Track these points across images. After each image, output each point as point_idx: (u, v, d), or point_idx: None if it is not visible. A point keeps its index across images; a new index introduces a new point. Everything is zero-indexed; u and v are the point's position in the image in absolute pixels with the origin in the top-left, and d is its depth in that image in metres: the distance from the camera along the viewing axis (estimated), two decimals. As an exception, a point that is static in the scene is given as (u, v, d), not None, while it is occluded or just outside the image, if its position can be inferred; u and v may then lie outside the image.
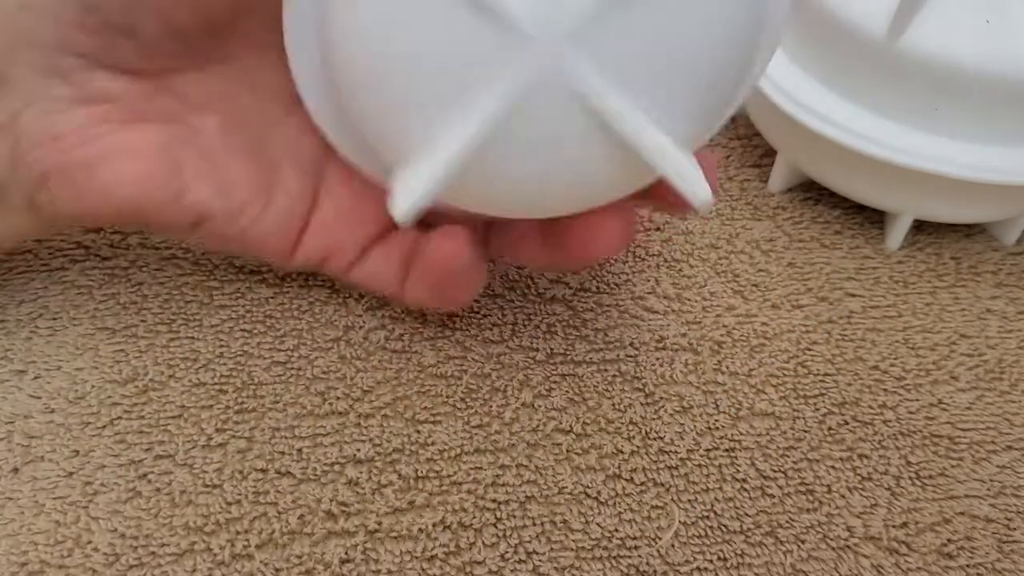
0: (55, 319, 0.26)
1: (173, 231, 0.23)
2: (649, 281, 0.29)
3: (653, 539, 0.23)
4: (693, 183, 0.18)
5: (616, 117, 0.18)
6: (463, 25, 0.17)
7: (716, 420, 0.25)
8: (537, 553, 0.22)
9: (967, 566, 0.23)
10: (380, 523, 0.22)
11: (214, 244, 0.24)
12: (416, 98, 0.18)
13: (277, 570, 0.21)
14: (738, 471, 0.24)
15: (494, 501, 0.23)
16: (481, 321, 0.27)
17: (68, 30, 0.20)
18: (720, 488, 0.24)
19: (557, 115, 0.18)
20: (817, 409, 0.26)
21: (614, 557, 0.22)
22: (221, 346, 0.26)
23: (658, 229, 0.31)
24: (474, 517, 0.23)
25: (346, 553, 0.22)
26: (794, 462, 0.25)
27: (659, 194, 0.21)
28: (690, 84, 0.18)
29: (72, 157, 0.21)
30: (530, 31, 0.17)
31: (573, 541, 0.23)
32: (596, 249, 0.22)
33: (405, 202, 0.19)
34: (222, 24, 0.22)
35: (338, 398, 0.25)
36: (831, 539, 0.23)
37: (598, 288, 0.29)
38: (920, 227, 0.32)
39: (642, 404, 0.26)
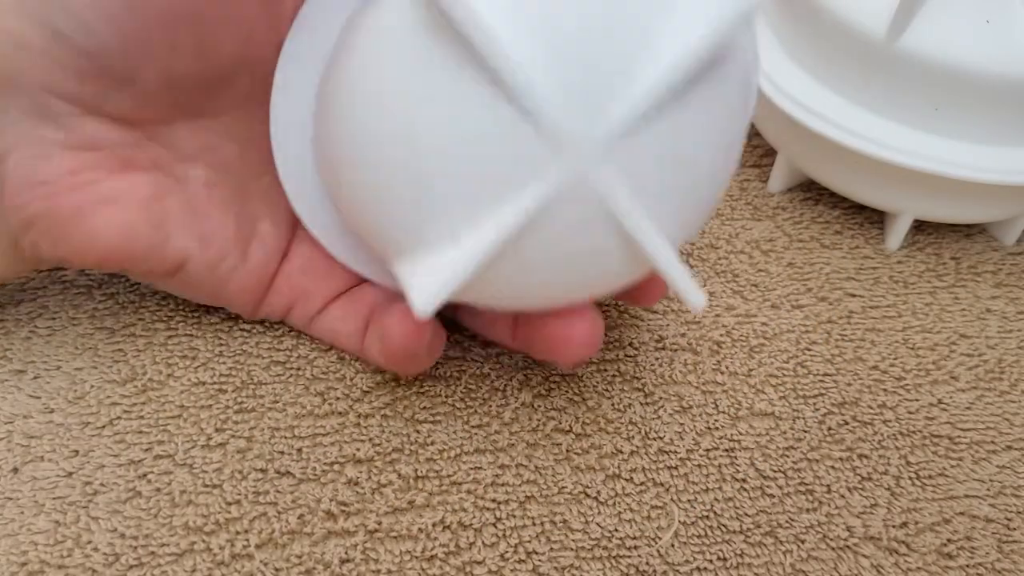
0: (54, 319, 0.26)
1: (152, 277, 0.24)
2: (649, 281, 0.29)
3: (653, 539, 0.23)
4: (691, 290, 0.20)
5: (632, 225, 0.18)
6: (500, 128, 0.17)
7: (716, 420, 0.25)
8: (537, 553, 0.22)
9: (967, 566, 0.23)
10: (380, 523, 0.22)
11: (188, 292, 0.25)
12: (441, 195, 0.18)
13: (277, 570, 0.21)
14: (738, 471, 0.24)
15: (494, 501, 0.23)
16: (481, 321, 0.27)
17: (64, 75, 0.20)
18: (720, 488, 0.24)
19: (579, 218, 0.18)
20: (817, 409, 0.26)
21: (614, 557, 0.22)
22: (220, 344, 0.26)
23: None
24: (474, 517, 0.23)
25: (346, 553, 0.22)
26: (794, 462, 0.25)
27: (631, 293, 0.23)
28: (693, 196, 0.20)
29: (58, 204, 0.21)
30: (566, 140, 0.17)
31: (573, 541, 0.23)
32: (561, 355, 0.22)
33: (424, 298, 0.19)
34: (220, 79, 0.22)
35: (338, 398, 0.25)
36: (831, 539, 0.23)
37: (598, 288, 0.29)
38: (920, 227, 0.32)
39: (641, 404, 0.26)
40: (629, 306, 0.28)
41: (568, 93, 0.17)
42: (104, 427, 0.24)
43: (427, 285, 0.19)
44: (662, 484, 0.24)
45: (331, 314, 0.25)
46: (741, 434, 0.25)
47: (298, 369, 0.25)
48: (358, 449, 0.24)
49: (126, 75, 0.20)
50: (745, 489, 0.24)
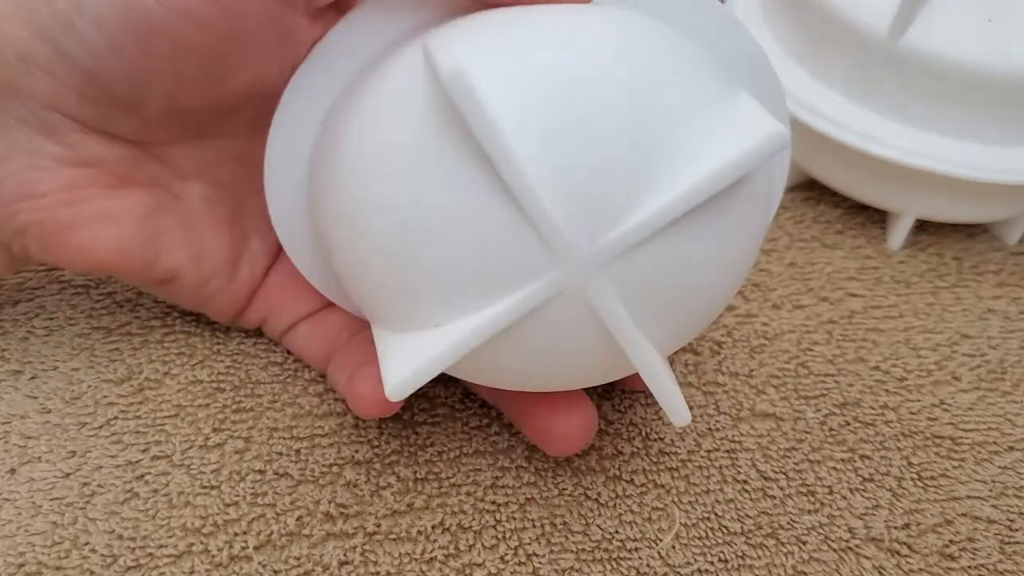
0: (51, 318, 0.26)
1: (141, 286, 0.24)
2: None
3: (654, 541, 0.23)
4: (676, 404, 0.20)
5: (622, 338, 0.18)
6: (499, 228, 0.17)
7: (717, 421, 0.25)
8: (537, 555, 0.22)
9: (969, 567, 0.23)
10: (379, 525, 0.22)
11: (171, 299, 0.25)
12: (430, 282, 0.18)
13: (275, 572, 0.21)
14: (739, 472, 0.24)
15: (493, 503, 0.23)
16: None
17: (66, 93, 0.20)
18: (721, 490, 0.24)
19: (568, 324, 0.18)
20: (818, 410, 0.26)
21: (614, 559, 0.22)
22: (217, 343, 0.26)
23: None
24: (473, 519, 0.23)
25: (344, 555, 0.22)
26: (795, 463, 0.25)
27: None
28: (690, 312, 0.19)
29: (52, 216, 0.21)
30: (566, 251, 0.17)
31: (573, 543, 0.22)
32: (551, 448, 0.22)
33: (396, 384, 0.18)
34: (227, 109, 0.21)
35: (336, 399, 0.25)
36: (832, 540, 0.23)
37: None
38: (922, 227, 0.32)
39: (642, 405, 0.25)
40: None
41: (573, 206, 0.17)
42: (101, 427, 0.23)
43: (401, 371, 0.18)
44: (663, 486, 0.24)
45: (299, 332, 0.25)
46: (742, 435, 0.25)
47: (296, 370, 0.25)
48: (357, 451, 0.24)
49: (130, 102, 0.20)
50: (746, 491, 0.24)
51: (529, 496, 0.23)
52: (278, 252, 0.25)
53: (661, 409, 0.25)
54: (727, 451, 0.25)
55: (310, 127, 0.21)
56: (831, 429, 0.25)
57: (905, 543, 0.23)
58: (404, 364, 0.18)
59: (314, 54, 0.21)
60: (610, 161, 0.17)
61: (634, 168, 0.17)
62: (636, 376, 0.20)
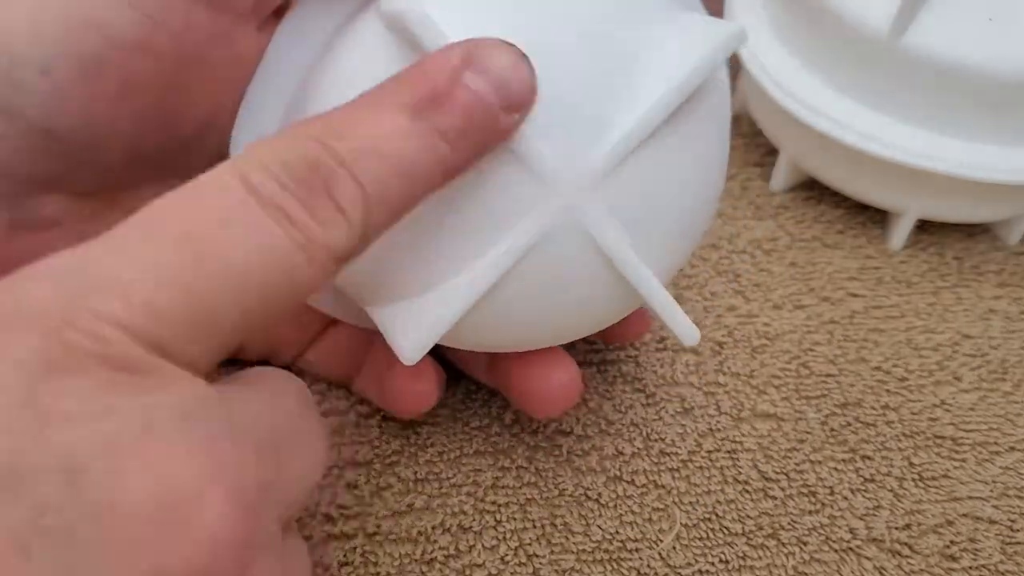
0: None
1: None
2: (650, 281, 0.29)
3: (655, 541, 0.23)
4: (682, 322, 0.20)
5: (621, 259, 0.18)
6: (487, 170, 0.17)
7: (718, 421, 0.25)
8: (538, 556, 0.22)
9: (970, 568, 0.23)
10: (379, 526, 0.22)
11: None
12: (427, 239, 0.18)
13: (275, 573, 0.21)
14: (740, 473, 0.24)
15: (494, 504, 0.23)
16: (481, 321, 0.27)
17: (16, 156, 0.18)
18: (722, 490, 0.24)
19: (568, 256, 0.18)
20: (819, 410, 0.26)
21: (615, 560, 0.22)
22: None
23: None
24: (474, 520, 0.23)
25: (345, 556, 0.22)
26: (796, 464, 0.25)
27: (611, 331, 0.22)
28: (679, 228, 0.20)
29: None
30: (553, 180, 0.17)
31: (574, 544, 0.22)
32: (539, 409, 0.22)
33: (411, 346, 0.18)
34: (189, 142, 0.20)
35: (337, 398, 0.25)
36: (834, 541, 0.23)
37: (599, 288, 0.29)
38: (923, 227, 0.32)
39: (643, 405, 0.25)
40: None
41: (555, 135, 0.17)
42: (102, 429, 0.23)
43: (413, 332, 0.18)
44: (664, 486, 0.24)
45: (309, 360, 0.24)
46: (743, 435, 0.25)
47: (297, 370, 0.25)
48: (357, 452, 0.24)
49: (89, 152, 0.18)
50: (747, 491, 0.24)
51: (530, 496, 0.23)
52: None
53: (662, 408, 0.25)
54: (728, 451, 0.25)
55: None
56: (832, 429, 0.25)
57: (906, 544, 0.23)
58: (414, 326, 0.18)
59: (265, 60, 0.20)
60: (582, 86, 0.17)
61: (607, 89, 0.17)
62: (630, 322, 0.20)
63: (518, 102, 0.16)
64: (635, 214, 0.18)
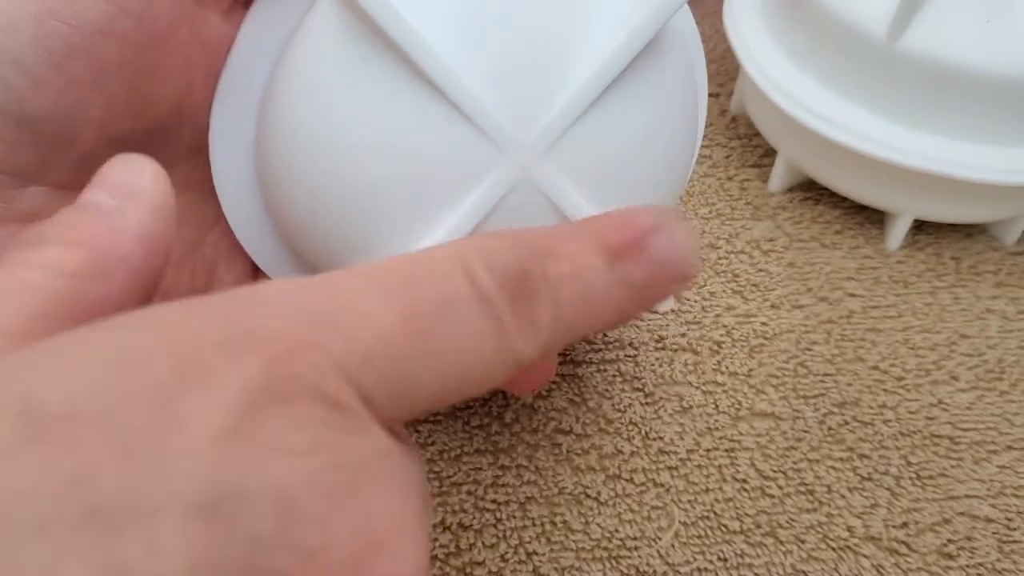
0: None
1: None
2: (649, 281, 0.29)
3: (653, 539, 0.23)
4: None
5: (579, 214, 0.19)
6: (442, 136, 0.17)
7: (716, 420, 0.25)
8: (537, 554, 0.22)
9: (967, 566, 0.23)
10: (380, 524, 0.22)
11: None
12: (387, 207, 0.18)
13: (277, 571, 0.21)
14: (738, 471, 0.24)
15: (494, 502, 0.23)
16: (481, 321, 0.27)
17: (3, 149, 0.18)
18: (720, 488, 0.24)
19: (528, 219, 0.18)
20: (817, 409, 0.26)
21: (614, 557, 0.22)
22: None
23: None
24: (474, 518, 0.23)
25: (346, 554, 0.22)
26: (794, 462, 0.25)
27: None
28: (643, 186, 0.20)
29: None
30: (508, 143, 0.18)
31: (573, 542, 0.22)
32: (510, 385, 0.22)
33: None
34: (163, 131, 0.21)
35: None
36: (831, 539, 0.23)
37: (598, 288, 0.29)
38: (920, 227, 0.32)
39: (642, 404, 0.26)
40: None
41: (507, 100, 0.17)
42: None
43: None
44: (662, 484, 0.24)
45: None
46: (741, 434, 0.25)
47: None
48: (358, 450, 0.24)
49: (64, 139, 0.19)
50: (745, 489, 0.24)
51: (529, 495, 0.23)
52: (253, 279, 0.24)
53: (660, 407, 0.25)
54: (726, 450, 0.25)
55: (249, 120, 0.21)
56: (830, 428, 0.26)
57: (903, 542, 0.23)
58: None
59: (235, 51, 0.20)
60: (532, 51, 0.17)
61: (555, 54, 0.18)
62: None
63: (685, 277, 0.16)
64: (594, 172, 0.19)
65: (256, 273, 0.24)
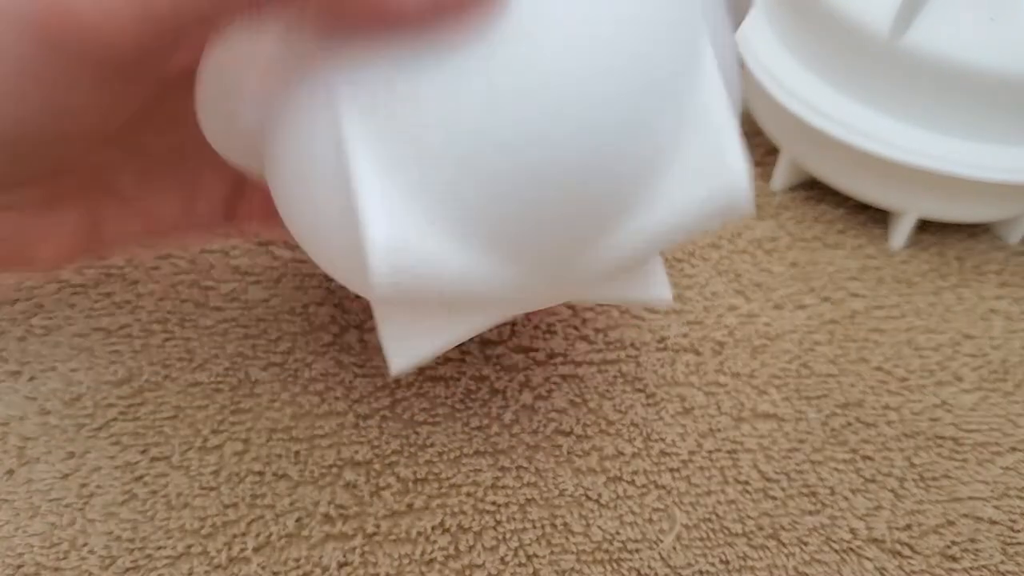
0: (50, 318, 0.26)
1: None
2: (650, 281, 0.29)
3: (655, 542, 0.23)
4: None
5: None
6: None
7: (718, 421, 0.25)
8: (537, 556, 0.22)
9: (971, 568, 0.23)
10: (378, 526, 0.22)
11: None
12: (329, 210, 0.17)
13: (274, 573, 0.21)
14: (740, 473, 0.24)
15: (494, 504, 0.23)
16: (481, 321, 0.27)
17: None
18: (722, 490, 0.24)
19: None
20: (820, 410, 0.26)
21: (615, 560, 0.22)
22: (216, 347, 0.25)
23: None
24: (473, 520, 0.22)
25: (344, 556, 0.22)
26: (797, 464, 0.24)
27: None
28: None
29: None
30: None
31: (574, 544, 0.22)
32: None
33: (399, 363, 0.19)
34: (145, 113, 0.20)
35: (336, 398, 0.25)
36: (834, 541, 0.23)
37: (599, 288, 0.28)
38: (924, 226, 0.32)
39: (643, 405, 0.25)
40: (630, 307, 0.28)
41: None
42: (100, 429, 0.23)
43: (405, 350, 0.19)
44: (664, 486, 0.24)
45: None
46: (744, 436, 0.25)
47: (296, 369, 0.25)
48: (356, 452, 0.23)
49: (51, 160, 0.19)
50: (748, 491, 0.24)
51: (529, 497, 0.23)
52: (239, 181, 0.23)
53: (662, 408, 0.25)
54: (728, 452, 0.25)
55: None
56: (833, 430, 0.25)
57: (907, 544, 0.23)
58: (409, 344, 0.19)
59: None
60: (568, 208, 0.17)
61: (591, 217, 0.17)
62: None
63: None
64: None
65: (241, 184, 0.23)
